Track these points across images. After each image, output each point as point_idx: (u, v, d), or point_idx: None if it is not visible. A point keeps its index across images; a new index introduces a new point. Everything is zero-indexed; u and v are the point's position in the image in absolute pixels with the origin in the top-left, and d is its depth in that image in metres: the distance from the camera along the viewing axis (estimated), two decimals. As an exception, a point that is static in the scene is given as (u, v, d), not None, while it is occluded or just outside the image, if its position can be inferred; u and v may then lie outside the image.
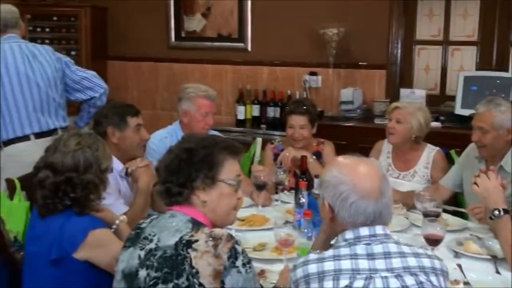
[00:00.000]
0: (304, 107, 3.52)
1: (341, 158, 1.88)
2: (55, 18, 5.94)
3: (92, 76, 3.71)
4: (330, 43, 5.03)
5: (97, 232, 2.09)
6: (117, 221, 2.37)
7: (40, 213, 2.14)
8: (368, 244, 1.71)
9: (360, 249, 1.70)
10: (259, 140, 4.05)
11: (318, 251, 1.78)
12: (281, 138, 3.82)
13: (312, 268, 1.68)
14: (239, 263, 1.68)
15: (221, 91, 5.41)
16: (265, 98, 5.48)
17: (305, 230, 2.40)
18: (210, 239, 1.69)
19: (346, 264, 1.66)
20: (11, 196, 2.73)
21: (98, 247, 2.07)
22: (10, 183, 2.76)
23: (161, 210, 2.04)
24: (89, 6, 5.90)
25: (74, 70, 3.66)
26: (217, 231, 1.73)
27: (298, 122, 3.48)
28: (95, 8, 5.98)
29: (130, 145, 2.87)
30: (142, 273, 1.72)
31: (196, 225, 1.76)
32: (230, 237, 1.71)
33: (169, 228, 1.76)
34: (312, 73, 5.30)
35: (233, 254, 1.68)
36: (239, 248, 1.70)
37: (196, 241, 1.69)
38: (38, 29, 5.90)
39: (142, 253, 1.75)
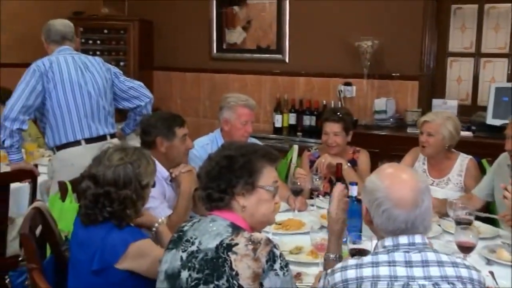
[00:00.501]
0: (339, 115, 3.49)
1: (386, 166, 1.83)
2: (105, 31, 6.06)
3: (139, 86, 3.73)
4: (364, 55, 4.99)
5: (137, 244, 2.05)
6: (156, 224, 2.36)
7: (82, 221, 2.11)
8: (407, 252, 1.66)
9: (398, 256, 1.65)
10: (295, 147, 4.03)
11: (357, 257, 1.74)
12: (317, 146, 3.78)
13: (351, 273, 1.65)
14: (277, 266, 1.66)
15: (259, 100, 5.41)
16: (301, 107, 5.47)
17: (340, 235, 2.35)
18: (250, 243, 1.67)
19: (384, 270, 1.62)
20: (63, 197, 2.76)
21: (139, 257, 2.04)
22: (62, 185, 2.79)
23: (202, 213, 2.03)
24: (137, 20, 6.00)
25: (122, 80, 3.69)
26: (256, 235, 1.71)
27: (332, 129, 3.45)
28: (143, 21, 6.07)
29: (177, 154, 2.87)
30: (184, 274, 1.71)
31: (236, 229, 1.75)
32: (269, 241, 1.69)
33: (210, 232, 1.75)
34: (347, 84, 5.26)
35: (272, 258, 1.65)
36: (277, 252, 1.68)
37: (236, 244, 1.67)
38: (90, 41, 6.03)
39: (184, 255, 1.74)
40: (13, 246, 3.12)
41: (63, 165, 3.35)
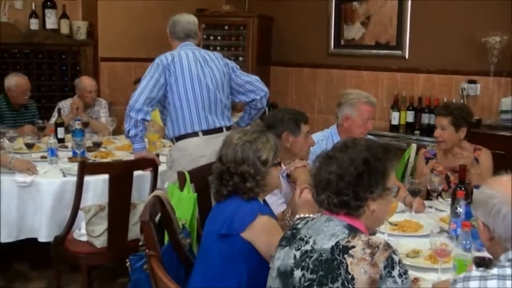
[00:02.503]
0: (448, 109, 3.34)
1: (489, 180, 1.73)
2: (226, 27, 6.13)
3: (255, 80, 3.73)
4: (491, 51, 4.63)
5: (265, 218, 2.09)
6: (298, 216, 2.28)
7: (215, 199, 2.25)
8: None
9: None
10: (414, 146, 3.84)
11: (481, 268, 1.57)
12: (434, 144, 3.58)
13: (474, 284, 1.50)
14: (395, 273, 1.54)
15: (376, 97, 5.14)
16: (420, 105, 5.20)
17: (464, 242, 2.17)
18: (367, 246, 1.56)
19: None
20: (181, 187, 2.80)
21: (262, 232, 2.06)
22: (181, 175, 2.82)
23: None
24: (257, 16, 6.01)
25: (238, 74, 3.70)
26: (374, 239, 1.60)
27: (439, 122, 3.33)
28: (262, 17, 6.07)
29: (300, 149, 2.92)
30: (297, 273, 1.64)
31: (353, 231, 1.65)
32: (388, 246, 1.58)
33: (325, 231, 1.66)
34: (471, 81, 4.92)
35: (390, 264, 1.54)
36: (396, 258, 1.56)
37: (353, 247, 1.57)
38: (211, 37, 6.13)
39: (298, 254, 1.67)
40: (134, 231, 3.22)
41: (181, 155, 3.41)
